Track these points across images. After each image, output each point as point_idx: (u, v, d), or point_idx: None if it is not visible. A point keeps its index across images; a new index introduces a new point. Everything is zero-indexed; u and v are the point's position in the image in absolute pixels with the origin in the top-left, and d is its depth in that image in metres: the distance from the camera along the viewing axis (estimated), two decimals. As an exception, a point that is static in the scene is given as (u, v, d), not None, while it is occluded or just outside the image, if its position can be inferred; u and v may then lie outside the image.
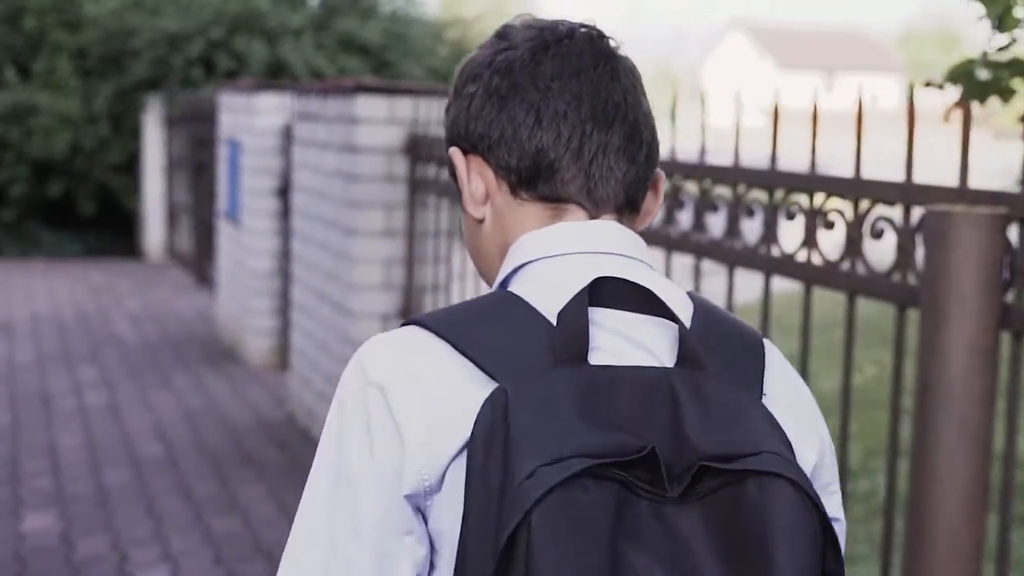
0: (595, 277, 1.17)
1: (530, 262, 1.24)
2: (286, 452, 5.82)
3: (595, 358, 1.15)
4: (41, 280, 11.00)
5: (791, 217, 2.86)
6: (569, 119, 1.25)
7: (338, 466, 1.15)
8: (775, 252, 2.93)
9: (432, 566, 1.15)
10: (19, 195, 12.58)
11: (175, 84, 12.07)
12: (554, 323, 1.15)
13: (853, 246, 2.66)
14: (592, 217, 1.27)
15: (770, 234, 2.94)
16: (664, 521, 1.07)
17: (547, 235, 1.25)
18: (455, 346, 1.15)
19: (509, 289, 1.23)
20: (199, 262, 10.82)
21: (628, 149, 1.27)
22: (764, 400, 1.19)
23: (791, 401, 1.24)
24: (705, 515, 1.08)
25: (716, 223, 3.17)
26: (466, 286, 4.90)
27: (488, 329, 1.16)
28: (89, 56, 12.82)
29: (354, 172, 5.45)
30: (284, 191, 7.57)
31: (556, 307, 1.16)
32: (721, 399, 1.13)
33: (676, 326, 1.17)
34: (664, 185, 1.34)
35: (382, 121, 5.45)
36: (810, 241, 2.79)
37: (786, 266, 2.89)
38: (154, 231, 12.72)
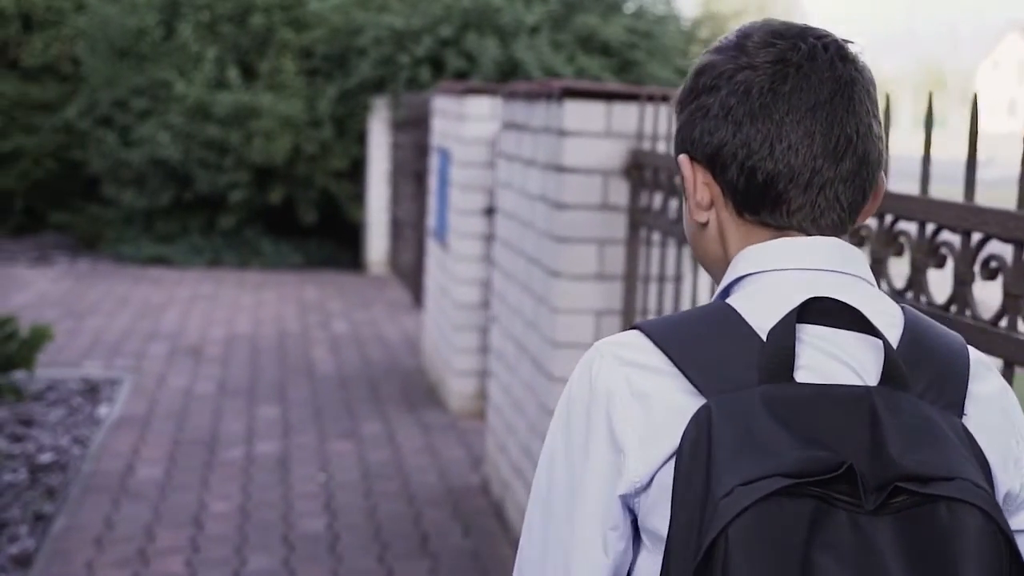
0: (807, 297, 1.22)
1: (750, 274, 1.29)
2: (471, 537, 4.75)
3: (801, 376, 1.20)
4: (251, 294, 10.32)
5: (941, 265, 2.44)
6: (800, 154, 1.27)
7: (563, 463, 1.26)
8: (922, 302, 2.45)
9: (638, 554, 1.25)
10: (238, 201, 11.90)
11: (401, 85, 11.19)
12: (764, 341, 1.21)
13: (1011, 300, 2.19)
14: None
15: (917, 280, 2.45)
16: (859, 530, 1.11)
17: (767, 250, 1.30)
18: (672, 360, 1.22)
19: (729, 300, 1.28)
20: (416, 279, 9.92)
21: (855, 181, 1.30)
22: (965, 420, 1.21)
23: (996, 423, 1.25)
24: (897, 529, 1.11)
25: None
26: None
27: (703, 344, 1.23)
28: (314, 56, 12.09)
29: (560, 198, 4.32)
30: (493, 211, 6.52)
31: (769, 324, 1.22)
32: (919, 419, 1.16)
33: (883, 344, 1.20)
34: (884, 186, 1.36)
35: (597, 134, 4.30)
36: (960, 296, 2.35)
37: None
38: (377, 242, 11.93)
